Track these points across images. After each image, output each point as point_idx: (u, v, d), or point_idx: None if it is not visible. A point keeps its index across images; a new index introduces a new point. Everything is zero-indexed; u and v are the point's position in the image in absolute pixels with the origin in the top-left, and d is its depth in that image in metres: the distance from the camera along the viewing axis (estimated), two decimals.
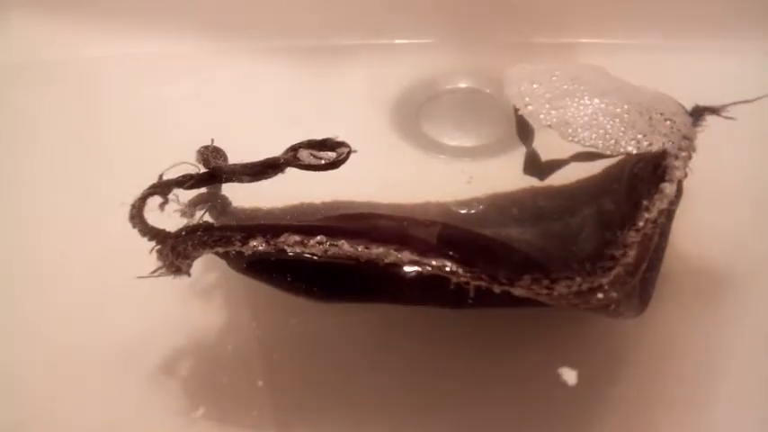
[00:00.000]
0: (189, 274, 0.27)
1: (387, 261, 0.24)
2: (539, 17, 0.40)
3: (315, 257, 0.24)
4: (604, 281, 0.23)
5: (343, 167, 0.38)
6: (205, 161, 0.33)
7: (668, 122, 0.29)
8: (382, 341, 0.30)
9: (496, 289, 0.23)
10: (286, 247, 0.24)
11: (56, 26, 0.44)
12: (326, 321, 0.30)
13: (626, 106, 0.31)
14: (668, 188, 0.25)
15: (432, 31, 0.43)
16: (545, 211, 0.35)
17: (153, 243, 0.27)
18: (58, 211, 0.36)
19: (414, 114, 0.41)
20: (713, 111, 0.30)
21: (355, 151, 0.31)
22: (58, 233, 0.36)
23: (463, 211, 0.36)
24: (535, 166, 0.36)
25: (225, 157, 0.34)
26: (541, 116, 0.32)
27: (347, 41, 0.43)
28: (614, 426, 0.27)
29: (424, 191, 0.35)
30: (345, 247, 0.24)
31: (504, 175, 0.35)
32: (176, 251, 0.26)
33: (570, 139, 0.30)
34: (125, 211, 0.33)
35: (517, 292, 0.23)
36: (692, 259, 0.32)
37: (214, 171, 0.32)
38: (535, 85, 0.34)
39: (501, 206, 0.36)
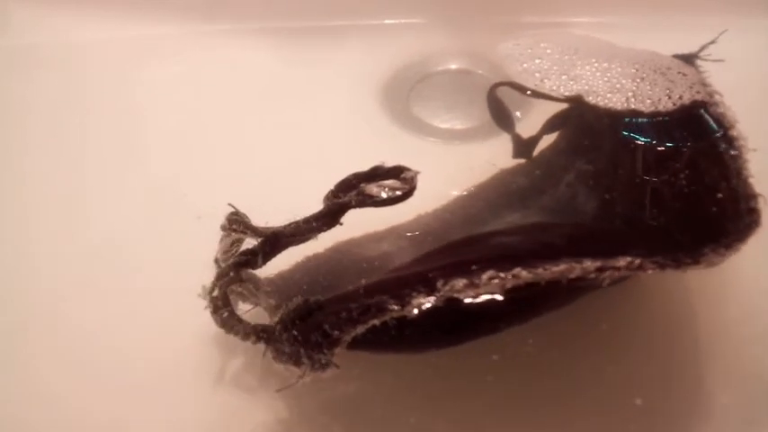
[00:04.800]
0: (338, 366, 0.22)
1: (571, 276, 0.22)
2: None
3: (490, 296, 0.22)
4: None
5: (331, 153, 0.37)
6: (251, 229, 0.28)
7: (680, 74, 0.32)
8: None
9: (682, 269, 0.23)
10: (455, 295, 0.21)
11: (40, 10, 0.44)
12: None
13: (637, 66, 0.34)
14: (737, 132, 0.28)
15: (422, 12, 0.43)
16: (525, 189, 0.35)
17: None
18: (49, 208, 0.35)
19: (404, 97, 0.41)
20: (695, 56, 0.34)
21: (419, 172, 0.31)
22: (50, 233, 0.34)
23: (459, 214, 0.35)
24: (521, 147, 0.36)
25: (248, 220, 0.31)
26: (562, 88, 0.34)
27: (336, 22, 0.43)
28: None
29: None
30: (524, 274, 0.21)
31: (497, 157, 0.35)
32: (311, 342, 0.21)
33: (602, 105, 0.32)
34: (123, 210, 0.34)
35: (700, 266, 0.23)
36: None
37: (275, 237, 0.28)
38: (537, 60, 0.36)
39: (485, 198, 0.35)
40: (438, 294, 0.22)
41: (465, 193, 0.35)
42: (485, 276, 0.22)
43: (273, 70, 0.42)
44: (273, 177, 0.37)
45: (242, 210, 0.30)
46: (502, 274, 0.22)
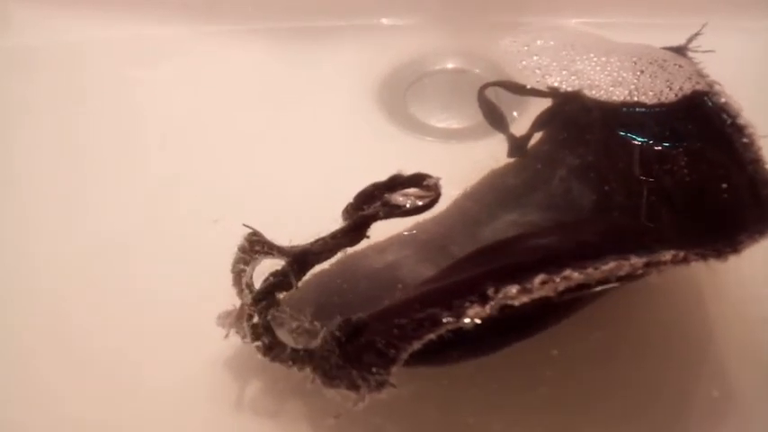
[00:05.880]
0: (394, 385, 0.21)
1: (620, 274, 0.22)
2: None
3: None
4: None
5: (328, 152, 0.38)
6: (276, 249, 0.27)
7: (677, 66, 0.33)
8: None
9: (722, 259, 0.24)
10: (509, 302, 0.21)
11: (40, 11, 0.44)
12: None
13: (635, 58, 0.34)
14: (744, 119, 0.28)
15: (418, 12, 0.43)
16: (517, 187, 0.35)
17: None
18: (50, 208, 0.35)
19: (401, 96, 0.41)
20: (685, 48, 0.35)
21: (441, 178, 0.29)
22: (50, 233, 0.34)
23: (457, 217, 0.35)
24: (516, 146, 0.37)
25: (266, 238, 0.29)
26: (564, 84, 0.34)
27: (333, 22, 0.43)
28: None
29: None
30: (575, 275, 0.21)
31: (494, 155, 0.36)
32: (364, 363, 0.21)
33: (604, 99, 0.33)
34: (124, 211, 0.34)
35: (737, 254, 0.24)
36: None
37: (303, 255, 0.27)
38: (535, 57, 0.36)
39: (480, 200, 0.35)
40: (492, 303, 0.21)
41: (460, 194, 0.35)
42: (536, 281, 0.21)
43: (270, 71, 0.42)
44: (271, 177, 0.37)
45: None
46: (555, 278, 0.22)
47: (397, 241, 0.33)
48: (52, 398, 0.29)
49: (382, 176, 0.34)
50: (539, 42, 0.37)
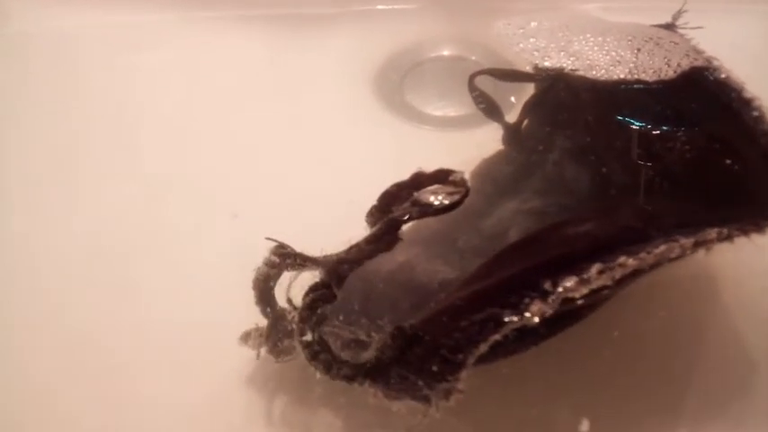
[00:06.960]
0: (462, 391, 0.21)
1: (672, 256, 0.22)
2: None
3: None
4: None
5: (325, 141, 0.38)
6: (311, 261, 0.26)
7: (672, 43, 0.33)
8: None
9: (762, 232, 0.24)
10: (570, 295, 0.21)
11: None
12: None
13: (630, 37, 0.34)
14: (749, 93, 0.29)
15: None
16: (512, 174, 0.36)
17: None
18: (49, 204, 0.35)
19: (397, 84, 0.41)
20: (674, 25, 0.35)
21: (465, 172, 0.29)
22: (47, 226, 0.34)
23: (458, 210, 0.37)
24: (510, 133, 0.37)
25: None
26: (565, 65, 0.34)
27: (328, 9, 0.43)
28: None
29: (408, 163, 0.33)
30: (630, 262, 0.21)
31: (490, 144, 0.36)
32: (428, 372, 0.20)
33: (605, 77, 0.33)
34: (122, 204, 0.35)
35: None
36: None
37: (339, 264, 0.25)
38: (532, 39, 0.36)
39: (478, 190, 0.34)
40: (553, 297, 0.21)
41: None
42: (593, 270, 0.21)
43: (265, 58, 0.42)
44: (266, 167, 0.37)
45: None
46: (611, 266, 0.21)
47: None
48: (52, 398, 0.29)
49: (379, 165, 0.33)
50: (533, 24, 0.36)
